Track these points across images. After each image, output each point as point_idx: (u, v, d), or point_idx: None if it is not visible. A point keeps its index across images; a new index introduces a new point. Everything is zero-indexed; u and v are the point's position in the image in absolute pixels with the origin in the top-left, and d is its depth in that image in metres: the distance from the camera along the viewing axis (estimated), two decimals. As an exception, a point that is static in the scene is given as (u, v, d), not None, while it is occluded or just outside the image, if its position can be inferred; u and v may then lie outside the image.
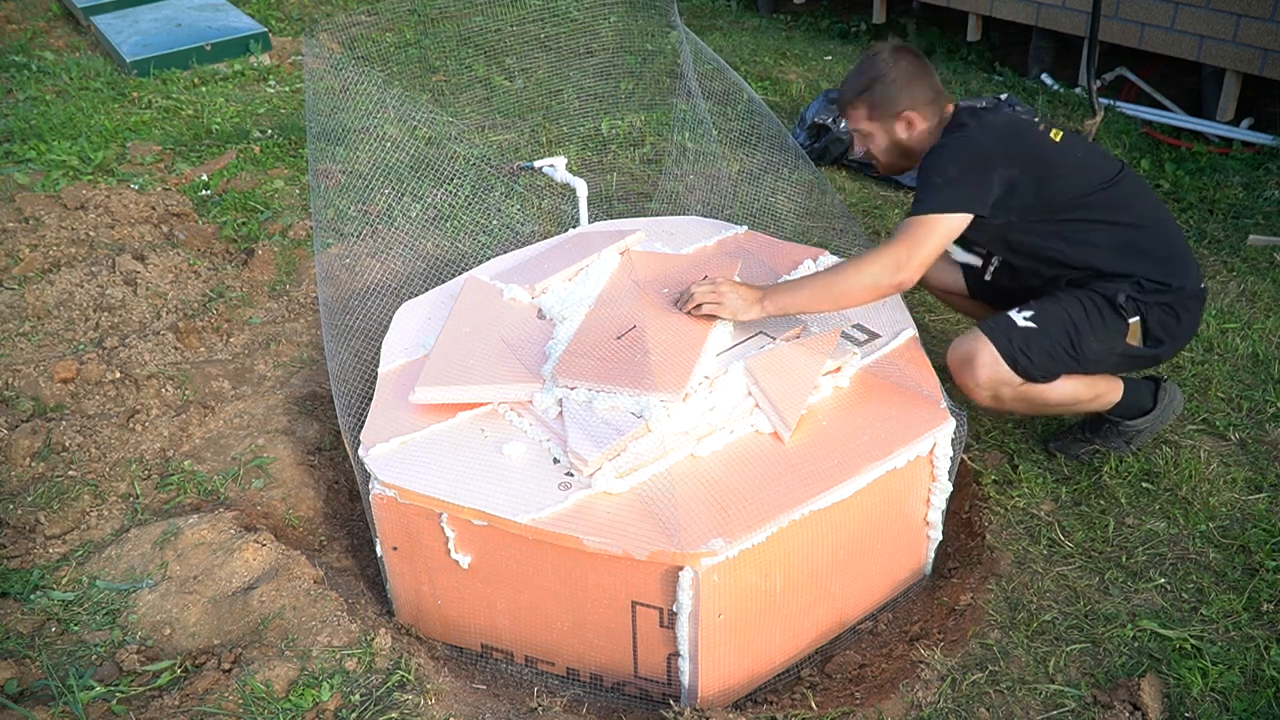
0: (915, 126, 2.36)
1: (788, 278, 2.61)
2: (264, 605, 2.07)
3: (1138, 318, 2.30)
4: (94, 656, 1.99)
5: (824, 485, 1.99)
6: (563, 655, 2.11)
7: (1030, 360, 2.25)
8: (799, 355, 2.23)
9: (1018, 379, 2.26)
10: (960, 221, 2.23)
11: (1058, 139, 2.34)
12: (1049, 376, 2.30)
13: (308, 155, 3.40)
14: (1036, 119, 2.42)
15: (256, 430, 2.67)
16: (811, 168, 3.02)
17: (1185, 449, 2.54)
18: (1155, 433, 2.54)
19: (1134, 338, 2.31)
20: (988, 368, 2.25)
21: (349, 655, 1.97)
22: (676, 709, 1.93)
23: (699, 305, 2.34)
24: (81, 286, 3.21)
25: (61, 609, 2.11)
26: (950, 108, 2.38)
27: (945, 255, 2.44)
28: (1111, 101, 4.50)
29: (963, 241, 2.46)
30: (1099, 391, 2.38)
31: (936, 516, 2.26)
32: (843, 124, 4.03)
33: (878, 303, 2.46)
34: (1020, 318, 2.28)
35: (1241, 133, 4.22)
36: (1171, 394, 2.53)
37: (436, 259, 3.19)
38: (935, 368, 2.34)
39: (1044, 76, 4.87)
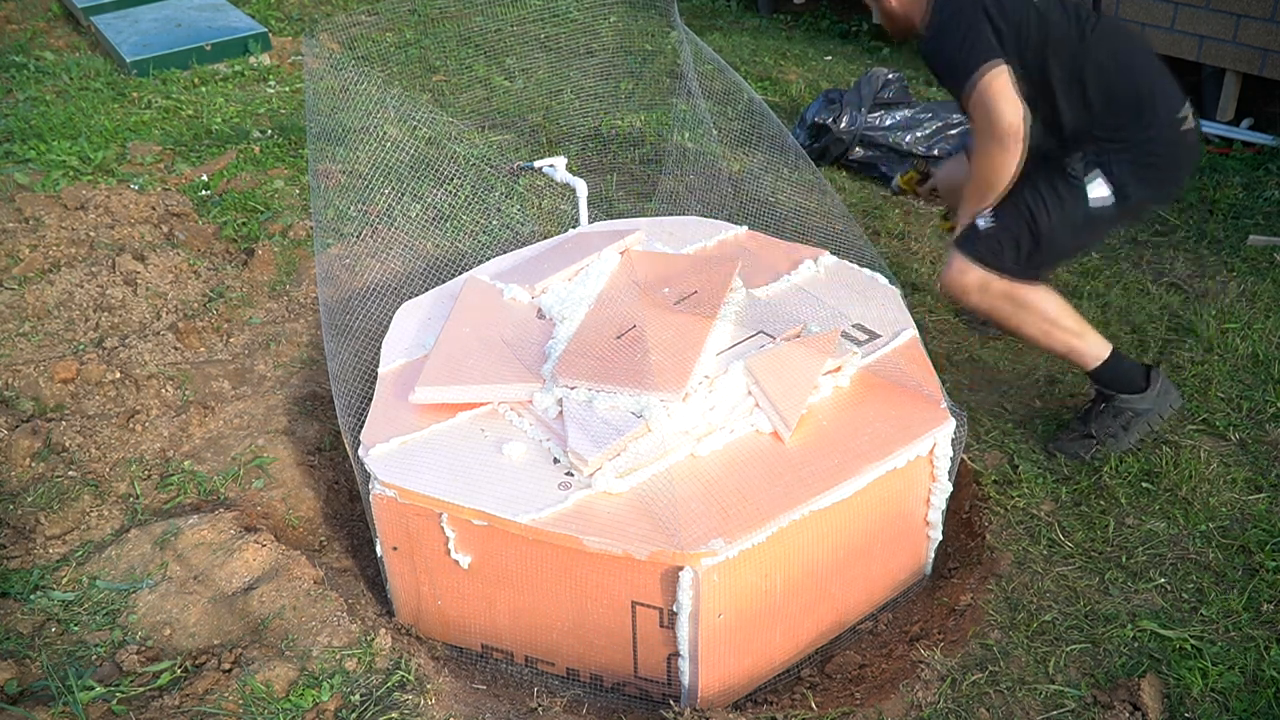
0: None
1: (788, 277, 2.61)
2: (264, 605, 2.07)
3: (1097, 174, 2.37)
4: (94, 656, 1.99)
5: (824, 485, 1.99)
6: (563, 655, 2.11)
7: (998, 254, 2.41)
8: (799, 355, 2.23)
9: (995, 276, 2.41)
10: (1002, 69, 2.27)
11: None
12: (1023, 268, 2.41)
13: (308, 155, 3.40)
14: None
15: (256, 430, 2.66)
16: (811, 168, 3.01)
17: (1185, 449, 2.54)
18: (1153, 428, 2.54)
19: (1098, 194, 2.38)
20: (961, 274, 2.45)
21: (349, 655, 1.97)
22: (676, 709, 1.93)
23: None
24: (81, 286, 3.21)
25: (61, 609, 2.11)
26: None
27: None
28: (1111, 101, 4.49)
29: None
30: (1080, 329, 2.47)
31: (936, 516, 2.26)
32: (842, 123, 4.03)
33: (878, 302, 2.51)
34: (982, 221, 2.43)
35: (1241, 133, 4.22)
36: (1166, 384, 2.55)
37: (436, 259, 3.19)
38: (935, 368, 2.34)
39: (1044, 76, 4.86)
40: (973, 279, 2.42)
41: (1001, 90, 2.26)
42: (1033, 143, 2.32)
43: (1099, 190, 2.36)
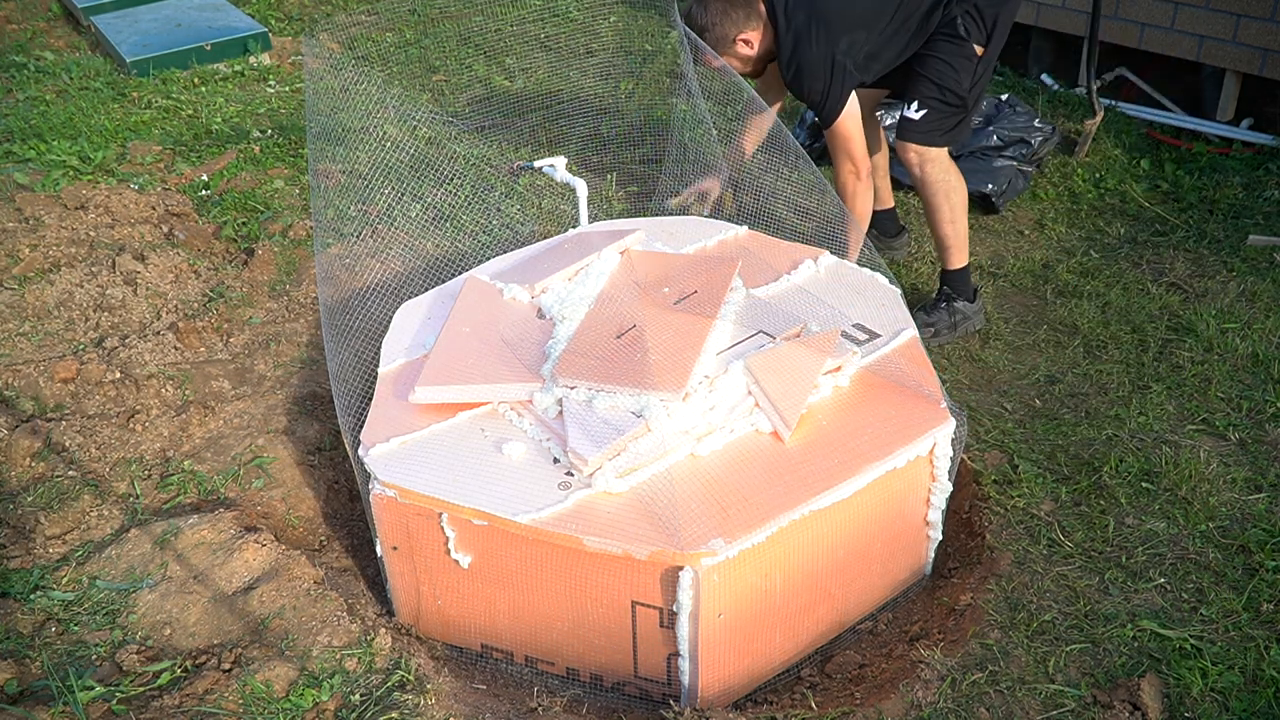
0: (752, 42, 2.95)
1: (788, 277, 2.61)
2: (264, 605, 2.07)
3: (975, 31, 2.89)
4: (94, 656, 1.99)
5: (824, 485, 1.99)
6: (563, 655, 2.11)
7: (932, 133, 2.97)
8: (799, 354, 2.23)
9: (932, 150, 3.00)
10: (854, 102, 2.91)
11: None
12: (955, 134, 3.02)
13: (308, 155, 3.40)
14: None
15: (256, 430, 2.66)
16: (811, 167, 3.01)
17: (1185, 449, 2.54)
18: (968, 331, 3.13)
19: (979, 50, 2.91)
20: (904, 151, 3.03)
21: (349, 655, 1.97)
22: (676, 709, 1.93)
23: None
24: (81, 286, 3.21)
25: (61, 609, 2.11)
26: (760, 5, 2.90)
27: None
28: (1111, 101, 4.49)
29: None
30: (966, 235, 3.10)
31: (936, 516, 2.26)
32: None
33: (878, 302, 2.51)
34: (912, 112, 2.97)
35: (1241, 133, 4.22)
36: (982, 305, 3.20)
37: (436, 259, 3.19)
38: (935, 368, 2.33)
39: (1044, 76, 4.87)
40: (913, 156, 3.00)
41: (855, 126, 2.92)
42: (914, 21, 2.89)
43: (979, 49, 2.90)
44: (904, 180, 3.95)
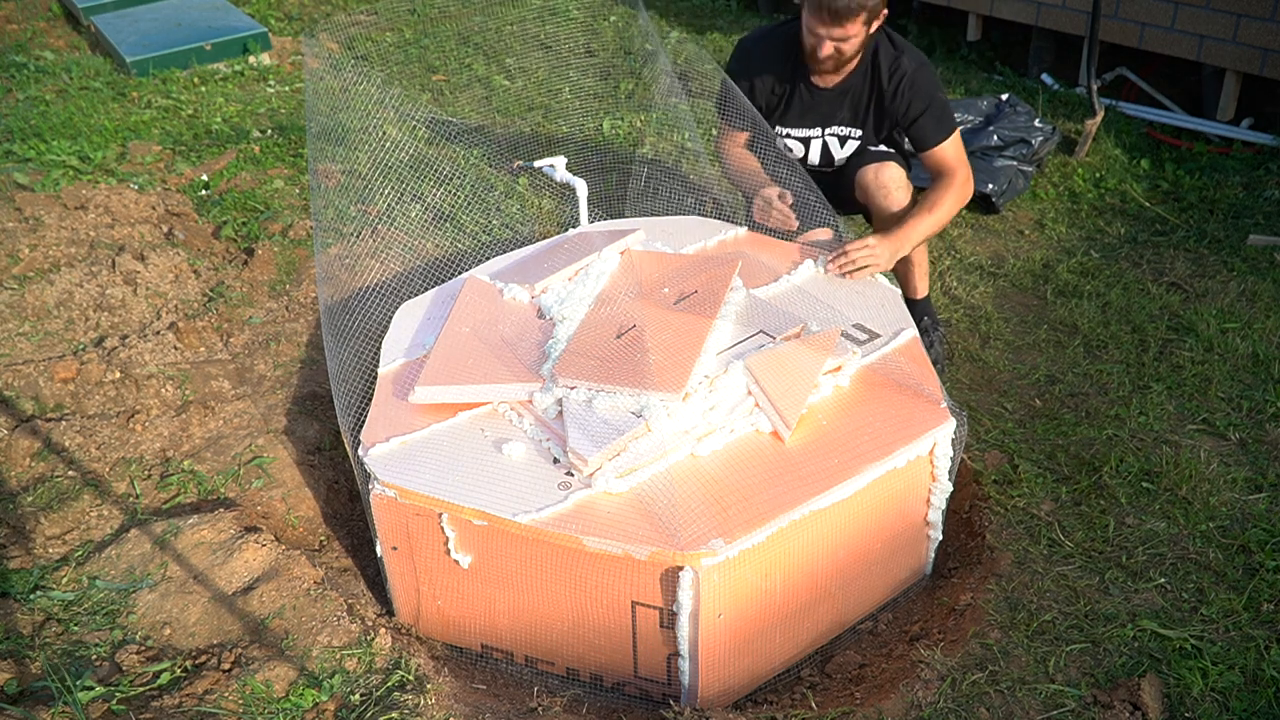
0: (875, 27, 2.71)
1: (788, 277, 2.61)
2: (264, 605, 2.08)
3: None
4: (94, 656, 1.99)
5: (824, 485, 1.99)
6: (563, 655, 2.11)
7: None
8: (799, 354, 2.23)
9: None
10: None
11: None
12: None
13: (308, 155, 3.40)
14: None
15: (256, 430, 2.66)
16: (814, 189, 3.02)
17: (1185, 449, 2.54)
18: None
19: None
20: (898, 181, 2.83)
21: (349, 655, 1.97)
22: (676, 709, 1.93)
23: (857, 265, 2.59)
24: (81, 286, 3.21)
25: (61, 609, 2.11)
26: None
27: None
28: (1112, 101, 4.50)
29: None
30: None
31: (937, 516, 2.26)
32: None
33: (878, 302, 2.52)
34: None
35: (1241, 133, 4.22)
36: None
37: (436, 259, 3.19)
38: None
39: (1044, 76, 4.87)
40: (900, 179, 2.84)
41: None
42: None
43: None
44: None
